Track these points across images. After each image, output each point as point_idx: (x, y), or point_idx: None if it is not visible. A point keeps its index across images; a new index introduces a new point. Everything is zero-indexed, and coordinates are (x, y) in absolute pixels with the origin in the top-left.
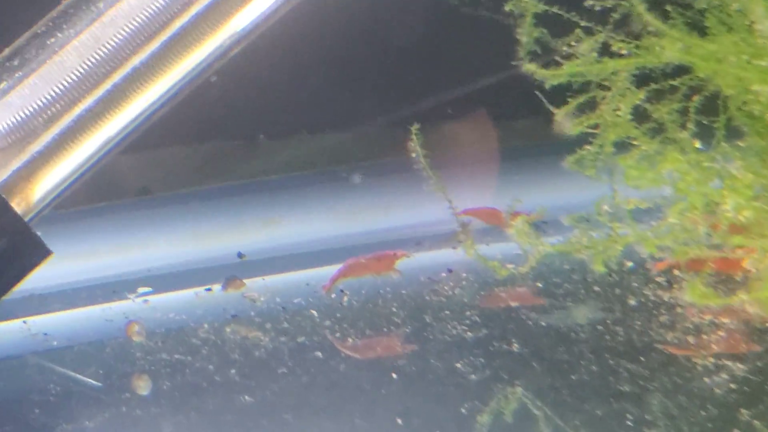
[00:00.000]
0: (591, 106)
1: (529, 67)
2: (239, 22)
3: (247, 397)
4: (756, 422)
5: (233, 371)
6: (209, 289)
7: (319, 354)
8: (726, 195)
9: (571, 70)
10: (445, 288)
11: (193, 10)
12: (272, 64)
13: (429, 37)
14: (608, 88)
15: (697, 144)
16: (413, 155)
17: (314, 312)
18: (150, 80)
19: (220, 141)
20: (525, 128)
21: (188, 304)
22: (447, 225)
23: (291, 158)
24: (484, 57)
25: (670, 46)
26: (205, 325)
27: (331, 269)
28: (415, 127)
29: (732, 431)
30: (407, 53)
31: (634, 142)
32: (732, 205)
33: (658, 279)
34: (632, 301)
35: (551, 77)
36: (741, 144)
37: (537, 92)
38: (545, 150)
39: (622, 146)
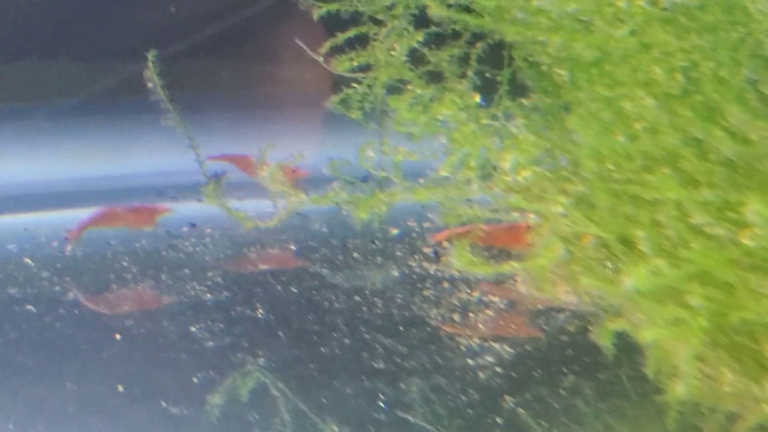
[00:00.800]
0: (362, 42)
1: None
2: None
3: None
4: (521, 410)
5: None
6: None
7: (31, 308)
8: (504, 154)
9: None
10: (186, 244)
11: None
12: None
13: None
14: (383, 24)
15: (477, 98)
16: (153, 89)
17: (30, 261)
18: None
19: None
20: (289, 72)
21: None
22: (193, 174)
23: (17, 86)
24: None
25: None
26: None
27: (56, 215)
28: (152, 55)
29: (494, 419)
30: None
31: (409, 87)
32: (510, 165)
33: (426, 249)
34: (395, 272)
35: (318, 7)
36: (525, 102)
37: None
38: (313, 96)
39: (395, 90)
